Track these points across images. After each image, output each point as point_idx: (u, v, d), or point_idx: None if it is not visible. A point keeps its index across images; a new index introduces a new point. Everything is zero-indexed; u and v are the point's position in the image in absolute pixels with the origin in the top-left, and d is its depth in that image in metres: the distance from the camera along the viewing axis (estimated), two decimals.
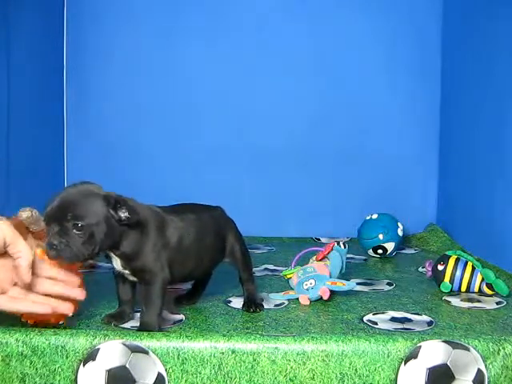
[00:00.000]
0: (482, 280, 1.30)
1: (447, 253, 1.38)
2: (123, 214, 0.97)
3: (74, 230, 0.94)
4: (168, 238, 1.06)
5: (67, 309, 0.98)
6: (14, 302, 0.94)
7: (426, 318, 1.14)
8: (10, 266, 0.93)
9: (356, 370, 0.88)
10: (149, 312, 1.01)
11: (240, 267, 1.22)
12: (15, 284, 0.94)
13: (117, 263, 1.04)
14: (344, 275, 1.38)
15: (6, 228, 0.91)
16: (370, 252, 1.78)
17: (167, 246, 1.05)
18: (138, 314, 1.05)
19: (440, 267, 1.34)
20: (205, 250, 1.14)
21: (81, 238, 0.94)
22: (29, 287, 0.95)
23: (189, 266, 1.11)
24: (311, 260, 1.38)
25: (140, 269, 1.03)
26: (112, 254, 1.03)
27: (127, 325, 1.08)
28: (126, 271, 1.04)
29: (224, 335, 0.90)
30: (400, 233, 1.79)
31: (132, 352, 0.88)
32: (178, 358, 0.88)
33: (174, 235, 1.07)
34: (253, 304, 1.19)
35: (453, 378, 0.88)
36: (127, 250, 1.01)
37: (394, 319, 1.13)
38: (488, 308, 1.21)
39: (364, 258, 1.77)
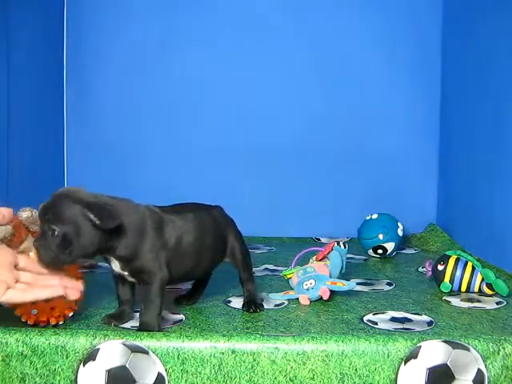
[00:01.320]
0: (482, 280, 1.30)
1: (447, 253, 1.38)
2: (101, 220, 0.95)
3: (49, 233, 0.94)
4: (166, 238, 1.06)
5: (74, 293, 0.96)
6: (25, 292, 0.93)
7: (426, 317, 1.14)
8: (9, 265, 0.93)
9: (356, 369, 0.88)
10: (148, 312, 1.01)
11: (240, 267, 1.22)
12: (17, 281, 0.94)
13: (116, 265, 1.04)
14: (344, 275, 1.38)
15: None
16: (370, 252, 1.78)
17: (166, 246, 1.05)
18: (138, 314, 1.05)
19: (440, 267, 1.34)
20: (205, 249, 1.13)
21: (55, 242, 0.94)
22: (34, 280, 0.95)
23: (188, 265, 1.11)
24: (311, 260, 1.38)
25: (139, 269, 1.02)
26: (111, 258, 1.03)
27: (127, 325, 1.08)
28: (125, 273, 1.04)
29: (224, 335, 0.90)
30: (400, 233, 1.79)
31: (132, 352, 0.88)
32: (178, 358, 0.88)
33: (172, 235, 1.07)
34: (253, 304, 1.19)
35: (453, 378, 0.88)
36: (125, 252, 1.01)
37: (393, 319, 1.13)
38: (488, 308, 1.21)
39: (364, 257, 1.77)
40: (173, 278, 1.06)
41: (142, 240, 1.02)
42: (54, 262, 0.95)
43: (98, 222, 0.95)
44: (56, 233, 0.94)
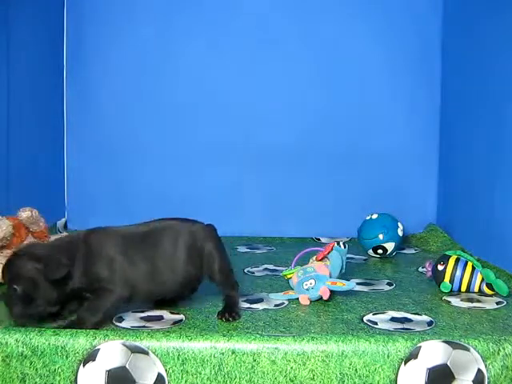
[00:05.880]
0: (482, 280, 1.30)
1: (447, 253, 1.38)
2: (49, 273, 1.00)
3: (13, 292, 0.99)
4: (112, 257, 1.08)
5: None
6: None
7: (426, 317, 1.14)
8: None
9: (356, 370, 0.88)
10: (91, 310, 1.03)
11: (217, 281, 1.19)
12: None
13: None
14: (344, 275, 1.38)
15: None
16: (370, 252, 1.78)
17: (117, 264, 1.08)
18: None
19: (440, 267, 1.34)
20: (167, 265, 1.13)
21: (19, 299, 0.99)
22: None
23: (147, 282, 1.11)
24: (311, 260, 1.38)
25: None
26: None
27: (127, 325, 1.08)
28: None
29: (224, 335, 0.90)
30: (400, 233, 1.79)
31: (132, 352, 0.88)
32: (178, 359, 0.88)
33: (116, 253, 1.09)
34: (227, 312, 1.11)
35: (453, 378, 0.88)
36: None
37: (393, 319, 1.13)
38: (488, 308, 1.21)
39: (364, 258, 1.77)
40: (136, 294, 1.08)
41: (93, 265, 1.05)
42: (23, 317, 0.99)
43: (47, 274, 1.00)
44: (17, 291, 0.99)
